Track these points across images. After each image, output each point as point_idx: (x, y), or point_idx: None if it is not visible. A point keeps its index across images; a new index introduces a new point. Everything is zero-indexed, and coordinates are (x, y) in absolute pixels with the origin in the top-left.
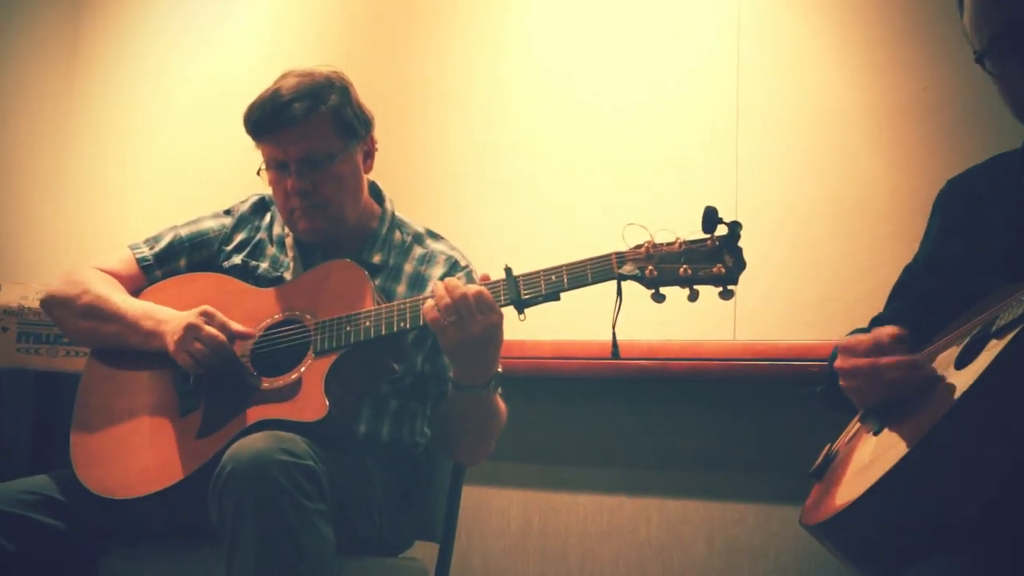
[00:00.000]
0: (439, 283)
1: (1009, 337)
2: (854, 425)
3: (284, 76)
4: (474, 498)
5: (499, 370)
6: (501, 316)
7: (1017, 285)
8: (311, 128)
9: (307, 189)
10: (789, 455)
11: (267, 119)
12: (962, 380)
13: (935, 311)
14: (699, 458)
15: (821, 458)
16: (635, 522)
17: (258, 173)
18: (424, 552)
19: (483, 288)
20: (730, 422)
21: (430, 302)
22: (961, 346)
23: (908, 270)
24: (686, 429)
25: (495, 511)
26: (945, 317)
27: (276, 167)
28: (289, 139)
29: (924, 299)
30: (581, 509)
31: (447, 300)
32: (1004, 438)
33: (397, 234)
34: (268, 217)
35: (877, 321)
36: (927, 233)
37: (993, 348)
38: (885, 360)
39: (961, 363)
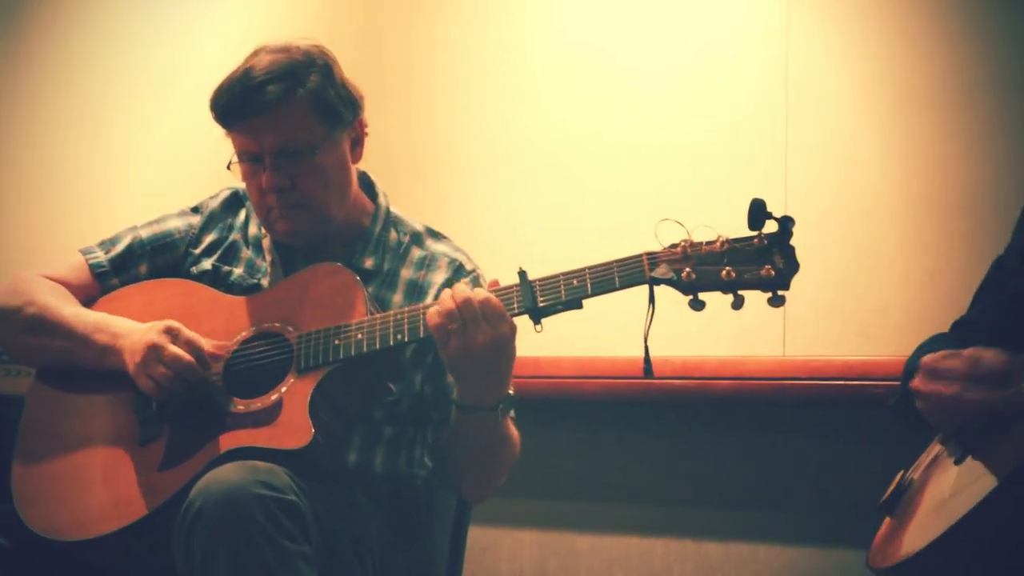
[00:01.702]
0: (446, 289)
1: None
2: (933, 449)
3: (256, 53)
4: (482, 539)
5: (511, 391)
6: (513, 327)
7: None
8: (288, 114)
9: (285, 185)
10: (848, 490)
11: (236, 105)
12: None
13: None
14: (742, 494)
15: (893, 487)
16: (668, 568)
17: (228, 167)
18: None
19: (491, 295)
20: (779, 451)
21: (434, 308)
22: None
23: (999, 265)
24: (728, 460)
25: (506, 554)
26: None
27: (249, 160)
28: (263, 128)
29: (1019, 300)
30: (605, 553)
31: (450, 305)
32: None
33: (392, 233)
34: (243, 215)
35: (960, 326)
36: (1021, 221)
37: None
38: (971, 395)
39: None
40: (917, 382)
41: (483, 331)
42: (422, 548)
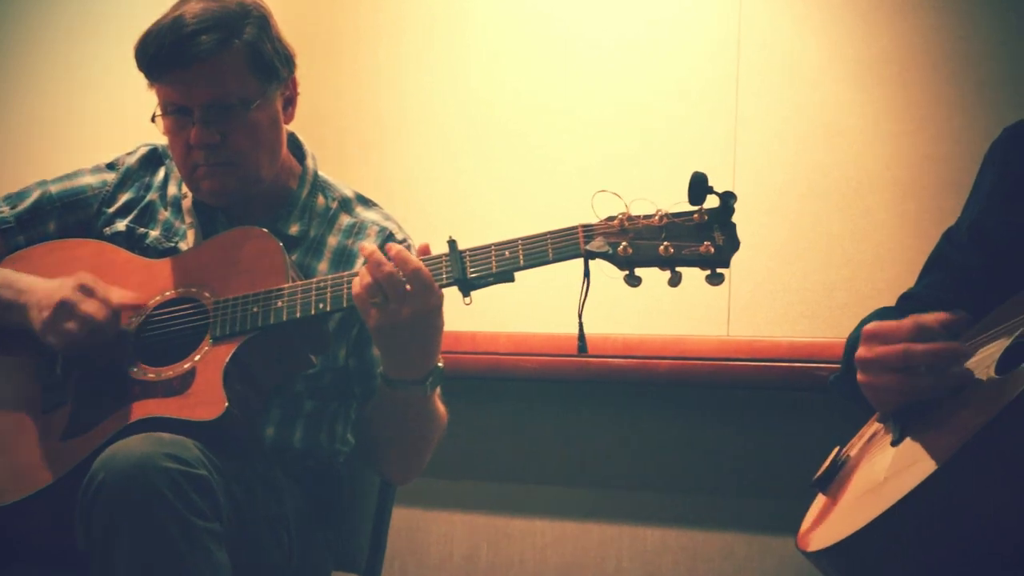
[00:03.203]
0: (367, 249)
1: None
2: (870, 427)
3: (158, 19)
4: (410, 521)
5: (439, 364)
6: (440, 298)
7: None
8: (222, 66)
9: (214, 141)
10: (790, 475)
11: (166, 54)
12: (1005, 388)
13: (979, 291)
14: (682, 477)
15: (827, 465)
16: (603, 553)
17: (153, 120)
18: None
19: (420, 264)
20: (720, 434)
21: (357, 277)
22: (1008, 342)
23: (948, 237)
24: (668, 442)
25: (435, 537)
26: (991, 300)
27: (175, 113)
28: (194, 79)
29: (966, 275)
30: (539, 537)
31: (374, 275)
32: None
33: (320, 198)
34: (162, 173)
35: (907, 299)
36: (975, 192)
37: None
38: (920, 347)
39: (1004, 366)
40: (861, 351)
41: (409, 302)
42: (343, 528)
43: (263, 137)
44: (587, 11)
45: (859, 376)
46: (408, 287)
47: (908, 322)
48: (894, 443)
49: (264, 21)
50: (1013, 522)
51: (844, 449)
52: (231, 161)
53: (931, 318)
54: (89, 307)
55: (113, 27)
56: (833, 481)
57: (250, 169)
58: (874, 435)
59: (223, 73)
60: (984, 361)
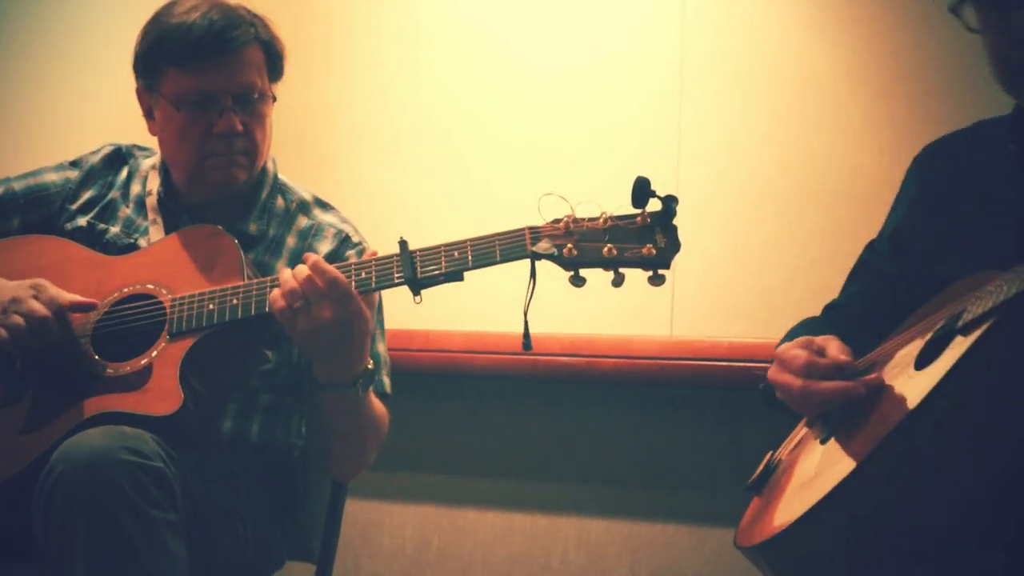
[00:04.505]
0: (285, 269)
1: (976, 334)
2: (800, 430)
3: (190, 6)
4: (363, 513)
5: (369, 366)
6: (359, 304)
7: (989, 273)
8: (252, 59)
9: (239, 131)
10: (730, 470)
11: (210, 42)
12: (921, 383)
13: (899, 298)
14: (626, 472)
15: (761, 468)
16: (550, 545)
17: (149, 116)
18: (298, 575)
19: (337, 273)
20: (663, 431)
21: (276, 289)
22: (924, 342)
23: (871, 248)
24: (612, 438)
25: (387, 529)
26: (910, 305)
27: (198, 103)
28: (230, 68)
29: (887, 283)
30: (488, 529)
31: (292, 285)
32: (967, 452)
33: (279, 200)
34: (124, 172)
35: (830, 309)
36: (896, 205)
37: (958, 347)
38: (820, 387)
39: (922, 363)
40: (772, 371)
41: (328, 308)
42: (298, 519)
43: (268, 132)
44: (536, 31)
45: (777, 393)
46: (327, 296)
47: (804, 355)
48: (822, 442)
49: (264, 24)
50: (930, 511)
51: (776, 453)
52: (247, 151)
53: (827, 361)
54: (35, 304)
55: (100, 29)
56: (767, 483)
57: (257, 161)
58: (803, 438)
59: (253, 65)
60: (904, 359)
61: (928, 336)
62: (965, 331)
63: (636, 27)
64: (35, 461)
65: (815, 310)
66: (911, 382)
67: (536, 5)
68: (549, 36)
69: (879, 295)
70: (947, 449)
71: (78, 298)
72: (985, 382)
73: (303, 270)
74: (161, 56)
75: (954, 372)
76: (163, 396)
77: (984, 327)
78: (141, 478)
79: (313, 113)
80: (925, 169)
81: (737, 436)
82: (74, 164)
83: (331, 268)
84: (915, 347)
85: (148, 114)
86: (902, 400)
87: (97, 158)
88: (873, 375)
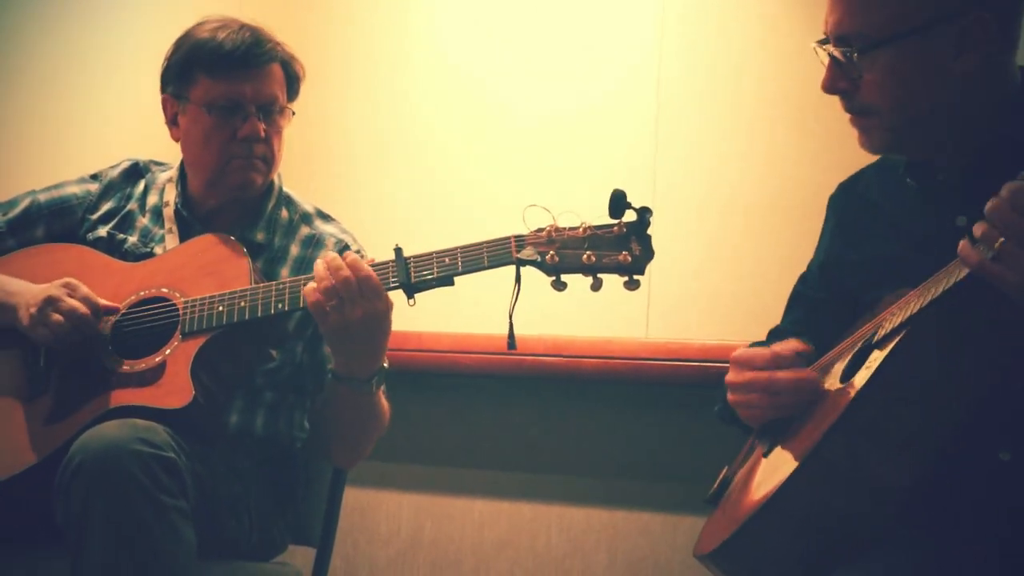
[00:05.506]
0: (320, 261)
1: (888, 348)
2: (748, 445)
3: (215, 25)
4: (361, 500)
5: (384, 365)
6: (388, 304)
7: (902, 292)
8: (278, 72)
9: (262, 138)
10: (700, 463)
11: (245, 52)
12: (845, 394)
13: (829, 322)
14: (604, 464)
15: (718, 483)
16: (534, 531)
17: (174, 123)
18: (301, 558)
19: (371, 271)
20: (639, 426)
21: (312, 283)
22: (851, 355)
23: (803, 279)
24: (591, 432)
25: (384, 515)
26: (839, 328)
27: (226, 109)
28: (261, 78)
29: (818, 309)
30: (477, 515)
31: (328, 282)
32: (886, 456)
33: (284, 212)
34: (141, 185)
35: (774, 334)
36: (821, 240)
37: (873, 360)
38: (783, 375)
39: (846, 376)
40: (730, 375)
41: (360, 306)
42: (300, 506)
43: (282, 142)
44: (516, 60)
45: (729, 396)
46: (359, 293)
47: (768, 352)
48: (765, 455)
49: (287, 49)
50: (860, 510)
51: (732, 467)
52: (265, 157)
53: (787, 348)
54: (74, 302)
55: (114, 34)
56: (723, 496)
57: (272, 169)
58: (753, 451)
59: (276, 80)
60: (835, 374)
61: (852, 353)
62: (880, 345)
63: (615, 44)
64: (57, 450)
65: (780, 315)
66: (839, 394)
67: (516, 40)
68: (526, 62)
69: (817, 321)
70: (871, 451)
71: (106, 302)
72: (896, 391)
73: (340, 266)
74: (194, 65)
75: (870, 383)
76: (175, 391)
77: (895, 340)
78: (154, 467)
79: (319, 136)
80: (842, 203)
81: (706, 430)
82: (95, 177)
83: (367, 267)
84: (843, 362)
85: (172, 121)
86: (831, 409)
87: (116, 172)
88: (817, 364)
